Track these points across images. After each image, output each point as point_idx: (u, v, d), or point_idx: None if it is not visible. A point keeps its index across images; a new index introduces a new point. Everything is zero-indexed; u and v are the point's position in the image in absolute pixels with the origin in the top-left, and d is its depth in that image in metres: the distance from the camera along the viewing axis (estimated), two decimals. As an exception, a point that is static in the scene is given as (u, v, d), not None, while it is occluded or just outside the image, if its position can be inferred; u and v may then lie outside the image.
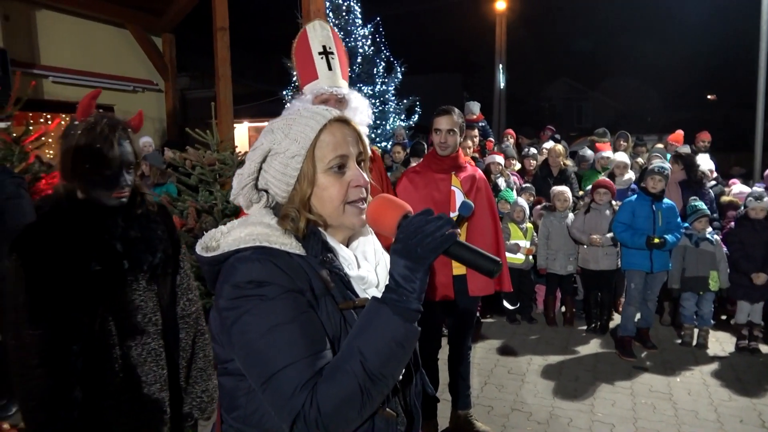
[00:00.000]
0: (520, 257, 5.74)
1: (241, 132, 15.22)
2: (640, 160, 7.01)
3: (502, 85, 18.38)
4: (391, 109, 14.95)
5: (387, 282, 1.09)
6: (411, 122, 15.29)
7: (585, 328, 5.62)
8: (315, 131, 1.17)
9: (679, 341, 5.20)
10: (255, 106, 16.36)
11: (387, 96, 15.03)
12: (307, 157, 1.16)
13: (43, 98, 9.33)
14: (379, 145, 12.21)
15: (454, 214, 3.13)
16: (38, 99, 9.30)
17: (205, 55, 9.52)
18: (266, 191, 1.22)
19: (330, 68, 2.66)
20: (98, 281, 1.75)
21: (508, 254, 5.71)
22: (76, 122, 1.89)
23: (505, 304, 5.83)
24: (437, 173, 3.27)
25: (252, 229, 1.14)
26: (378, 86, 14.81)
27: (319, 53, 2.66)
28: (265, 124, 1.29)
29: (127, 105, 10.72)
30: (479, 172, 3.38)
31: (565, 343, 5.20)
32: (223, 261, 1.13)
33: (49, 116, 10.74)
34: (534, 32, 21.92)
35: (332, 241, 1.19)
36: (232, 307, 1.07)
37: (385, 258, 1.30)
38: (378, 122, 14.45)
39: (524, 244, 5.74)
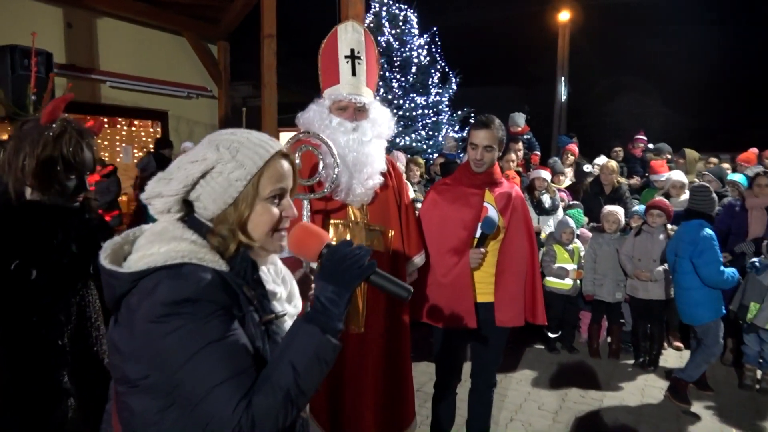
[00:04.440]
0: (568, 282, 5.33)
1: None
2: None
3: (564, 98, 17.75)
4: (444, 120, 14.68)
5: (294, 299, 1.36)
6: (464, 134, 14.96)
7: (632, 362, 5.14)
8: (262, 161, 1.22)
9: (739, 384, 4.64)
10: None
11: (441, 107, 14.78)
12: (250, 183, 1.21)
13: (100, 102, 9.63)
14: (428, 156, 11.94)
15: (478, 233, 2.83)
16: (96, 103, 9.62)
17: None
18: (190, 204, 1.23)
19: (354, 74, 2.51)
20: (49, 283, 1.80)
21: (553, 279, 5.33)
22: (40, 124, 1.91)
23: (546, 330, 5.42)
24: (469, 187, 2.92)
25: (176, 245, 1.15)
26: (432, 97, 14.58)
27: (346, 57, 2.51)
28: None
29: (180, 111, 10.96)
30: (516, 190, 3.04)
31: (607, 378, 4.76)
32: (142, 277, 1.13)
33: (105, 120, 11.11)
34: (599, 44, 21.09)
35: (255, 260, 1.29)
36: (158, 324, 1.08)
37: (287, 274, 1.44)
38: (431, 133, 14.24)
39: (571, 267, 5.33)
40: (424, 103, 14.22)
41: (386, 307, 2.58)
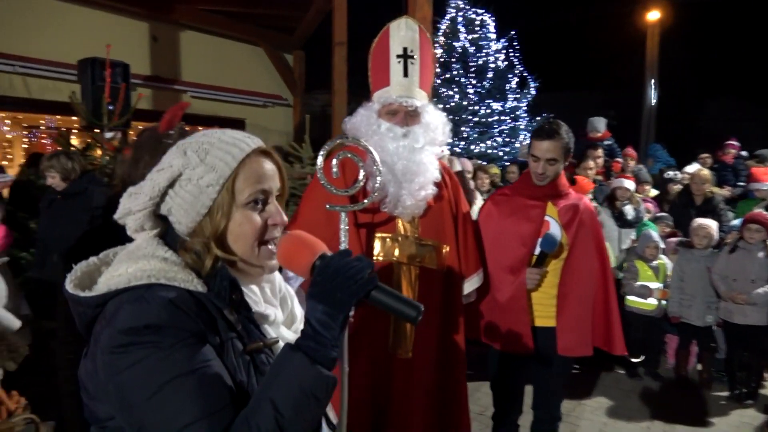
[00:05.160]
0: (651, 302, 4.86)
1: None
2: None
3: (653, 102, 16.72)
4: (522, 127, 14.22)
5: (296, 322, 1.11)
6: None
7: (726, 394, 4.59)
8: (236, 161, 1.05)
9: None
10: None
11: (518, 113, 14.34)
12: (225, 188, 1.04)
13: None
14: (504, 164, 11.56)
15: (536, 251, 2.55)
16: (177, 112, 10.03)
17: (349, 72, 9.67)
18: (165, 218, 1.08)
19: (406, 74, 2.30)
20: None
21: (635, 299, 4.88)
22: (158, 133, 1.91)
23: (626, 354, 4.97)
24: (529, 199, 2.64)
25: (144, 264, 1.00)
26: (509, 102, 14.17)
27: (398, 56, 2.31)
28: None
29: (256, 119, 11.23)
30: (585, 201, 2.71)
31: (697, 411, 4.27)
32: (106, 302, 0.98)
33: (187, 128, 11.54)
34: (692, 44, 19.77)
35: (239, 280, 1.09)
36: (118, 356, 0.92)
37: (289, 292, 1.27)
38: (508, 139, 13.85)
39: (656, 286, 4.85)
40: (501, 108, 13.85)
41: (438, 327, 2.36)
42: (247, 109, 10.89)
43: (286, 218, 1.14)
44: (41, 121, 9.06)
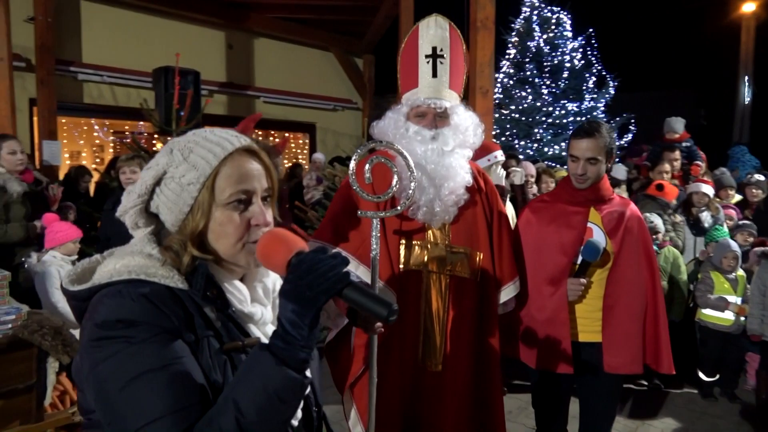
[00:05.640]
0: (727, 317, 4.49)
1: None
2: None
3: (747, 100, 15.53)
4: (599, 128, 13.60)
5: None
6: (623, 142, 13.76)
7: (814, 421, 4.17)
8: (217, 159, 1.05)
9: None
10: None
11: (595, 113, 13.77)
12: (205, 187, 1.04)
13: (255, 116, 10.38)
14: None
15: (578, 259, 2.40)
16: (251, 117, 10.38)
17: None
18: (157, 216, 1.10)
19: (435, 74, 2.22)
20: None
21: (710, 313, 4.54)
22: None
23: (699, 373, 4.62)
24: (570, 205, 2.48)
25: (129, 260, 1.03)
26: (586, 103, 13.63)
27: (426, 56, 2.23)
28: None
29: (327, 123, 11.44)
30: (632, 207, 2.51)
31: (778, 439, 3.90)
32: (91, 296, 1.01)
33: (260, 132, 11.96)
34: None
35: (223, 276, 1.09)
36: (94, 349, 0.94)
37: None
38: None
39: (734, 300, 4.48)
40: (576, 109, 13.34)
41: (471, 339, 2.26)
42: (317, 113, 11.12)
43: (270, 218, 1.11)
44: (126, 127, 9.67)
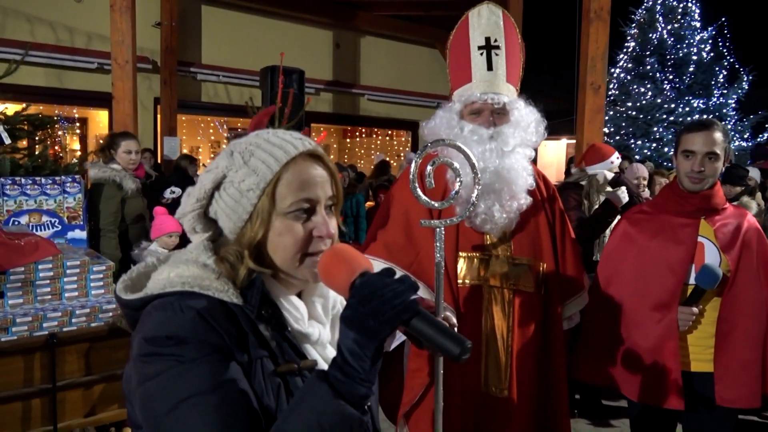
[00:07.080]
0: None
1: (557, 149, 14.31)
2: None
3: None
4: (730, 126, 12.42)
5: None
6: (756, 141, 12.44)
7: None
8: (279, 164, 0.96)
9: None
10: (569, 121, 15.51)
11: (726, 110, 12.58)
12: (265, 194, 0.96)
13: (359, 114, 10.53)
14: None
15: (691, 283, 2.12)
16: (355, 115, 10.57)
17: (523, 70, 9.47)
18: (215, 221, 1.03)
19: (490, 67, 1.99)
20: None
21: None
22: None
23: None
24: (677, 216, 2.16)
25: (183, 269, 0.96)
26: (714, 99, 12.48)
27: (479, 47, 1.99)
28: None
29: (430, 120, 11.36)
30: (749, 218, 2.17)
31: None
32: (143, 306, 0.95)
33: (363, 130, 12.13)
34: None
35: (279, 291, 1.01)
36: (144, 364, 0.89)
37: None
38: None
39: None
40: (703, 106, 12.29)
41: (536, 358, 2.04)
42: (421, 110, 11.06)
43: (334, 229, 1.02)
44: (238, 124, 10.21)
